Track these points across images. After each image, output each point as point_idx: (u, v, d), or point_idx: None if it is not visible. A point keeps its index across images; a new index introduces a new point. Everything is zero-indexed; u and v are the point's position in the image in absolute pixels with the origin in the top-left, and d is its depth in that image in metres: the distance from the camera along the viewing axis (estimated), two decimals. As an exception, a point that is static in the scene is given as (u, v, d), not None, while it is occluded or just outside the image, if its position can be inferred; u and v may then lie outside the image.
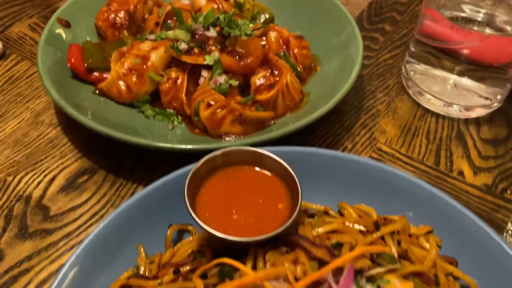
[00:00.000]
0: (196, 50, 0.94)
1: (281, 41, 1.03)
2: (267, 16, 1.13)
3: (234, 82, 0.92)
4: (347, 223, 0.65)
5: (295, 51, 1.01)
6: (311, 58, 1.04)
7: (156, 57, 0.93)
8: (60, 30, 1.02)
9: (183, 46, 0.93)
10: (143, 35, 1.03)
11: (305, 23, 1.13)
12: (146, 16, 1.11)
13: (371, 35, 1.21)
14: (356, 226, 0.65)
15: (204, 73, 0.94)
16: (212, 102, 0.87)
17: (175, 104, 0.93)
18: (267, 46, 1.01)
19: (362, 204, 0.73)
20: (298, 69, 1.00)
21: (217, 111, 0.87)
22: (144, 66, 0.93)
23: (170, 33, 0.97)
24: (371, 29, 1.23)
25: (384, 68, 1.11)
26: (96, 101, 0.94)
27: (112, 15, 1.06)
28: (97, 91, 0.96)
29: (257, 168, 0.70)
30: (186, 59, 0.92)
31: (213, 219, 0.64)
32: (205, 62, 0.92)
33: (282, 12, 1.16)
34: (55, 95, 0.85)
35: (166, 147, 0.80)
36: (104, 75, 0.96)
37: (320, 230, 0.64)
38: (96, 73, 0.96)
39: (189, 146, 0.80)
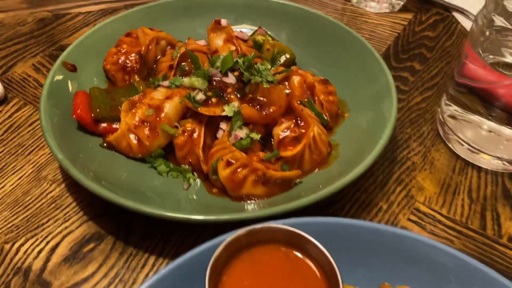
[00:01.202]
0: (213, 100, 0.85)
1: (305, 86, 0.94)
2: (288, 56, 1.04)
3: (256, 136, 0.83)
4: (396, 322, 0.56)
5: (321, 97, 0.92)
6: (338, 104, 0.95)
7: (170, 107, 0.85)
8: (65, 76, 0.93)
9: (200, 96, 0.85)
10: (156, 80, 0.95)
11: (328, 63, 1.04)
12: (159, 57, 1.02)
13: (399, 74, 1.12)
14: (407, 325, 0.55)
15: (223, 125, 0.85)
16: (232, 161, 0.78)
17: (190, 160, 0.84)
18: (290, 92, 0.92)
19: (408, 286, 0.64)
20: (325, 117, 0.91)
21: (238, 170, 0.78)
22: (157, 118, 0.84)
23: (186, 80, 0.88)
24: (400, 68, 1.14)
25: (416, 112, 1.02)
26: (103, 155, 0.85)
27: (122, 58, 0.97)
28: (105, 144, 0.87)
29: (288, 249, 0.61)
30: (204, 111, 0.83)
31: (239, 316, 0.55)
32: (224, 113, 0.84)
33: (303, 51, 1.07)
34: (60, 155, 0.76)
35: (179, 218, 0.70)
36: (114, 126, 0.88)
37: (366, 332, 0.54)
38: (104, 124, 0.88)
39: (206, 217, 0.70)
